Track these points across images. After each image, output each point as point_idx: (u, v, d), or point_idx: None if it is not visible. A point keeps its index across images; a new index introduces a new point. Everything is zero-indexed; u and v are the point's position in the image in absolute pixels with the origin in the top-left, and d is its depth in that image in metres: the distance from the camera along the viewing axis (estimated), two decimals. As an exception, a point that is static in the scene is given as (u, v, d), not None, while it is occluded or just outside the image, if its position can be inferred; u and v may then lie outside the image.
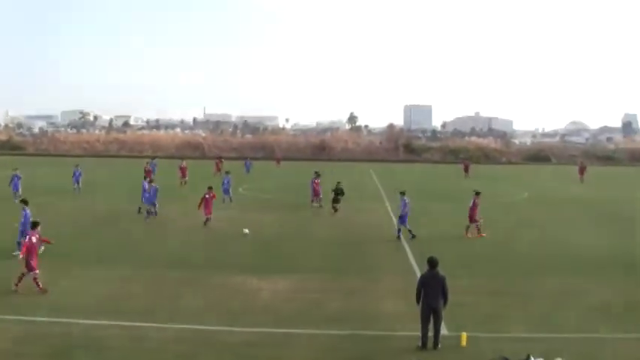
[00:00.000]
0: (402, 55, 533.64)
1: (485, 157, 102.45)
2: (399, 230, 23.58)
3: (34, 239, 15.31)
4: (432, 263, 12.05)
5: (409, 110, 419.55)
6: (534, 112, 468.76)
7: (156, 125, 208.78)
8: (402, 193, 24.14)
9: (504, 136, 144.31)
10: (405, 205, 23.58)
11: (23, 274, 14.98)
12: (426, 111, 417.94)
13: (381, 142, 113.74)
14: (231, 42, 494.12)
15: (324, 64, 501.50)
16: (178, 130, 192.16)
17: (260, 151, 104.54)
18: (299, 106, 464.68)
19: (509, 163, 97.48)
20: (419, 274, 17.33)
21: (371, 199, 38.10)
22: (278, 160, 79.86)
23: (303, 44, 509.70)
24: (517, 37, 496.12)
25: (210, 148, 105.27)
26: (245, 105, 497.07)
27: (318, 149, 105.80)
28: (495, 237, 24.43)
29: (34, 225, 15.99)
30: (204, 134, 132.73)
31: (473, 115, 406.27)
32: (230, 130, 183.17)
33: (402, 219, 23.51)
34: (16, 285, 14.91)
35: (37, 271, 15.04)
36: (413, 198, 25.35)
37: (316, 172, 35.24)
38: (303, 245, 22.18)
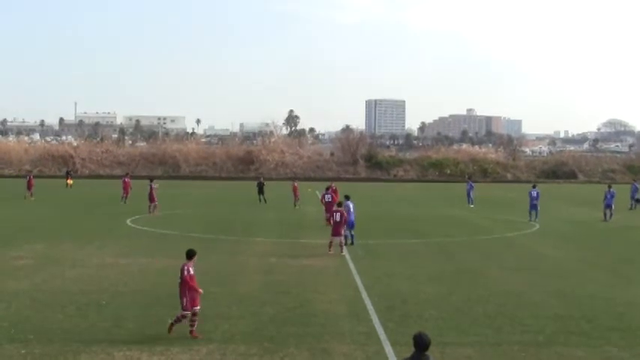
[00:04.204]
0: (363, 33, 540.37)
1: (483, 172, 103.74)
2: (352, 237, 33.09)
3: (190, 271, 17.68)
4: (422, 344, 11.06)
5: (373, 107, 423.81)
6: (553, 110, 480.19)
7: (1, 130, 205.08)
8: (347, 197, 34.08)
9: (510, 143, 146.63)
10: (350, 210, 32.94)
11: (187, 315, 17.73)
12: (398, 109, 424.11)
13: (332, 154, 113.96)
14: (117, 15, 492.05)
15: (248, 45, 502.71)
16: (37, 136, 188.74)
17: (159, 166, 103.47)
18: (215, 102, 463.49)
19: (517, 181, 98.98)
20: (387, 343, 17.29)
21: (316, 232, 38.68)
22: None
23: (217, 13, 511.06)
24: (528, 7, 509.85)
25: (84, 162, 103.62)
26: (137, 101, 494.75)
27: (243, 163, 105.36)
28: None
29: (190, 255, 17.96)
30: (75, 142, 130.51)
31: (464, 113, 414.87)
32: (114, 135, 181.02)
33: (349, 224, 32.42)
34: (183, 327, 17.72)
35: (189, 311, 17.70)
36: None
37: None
38: (219, 301, 21.60)
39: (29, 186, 60.50)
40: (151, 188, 48.66)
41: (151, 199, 48.37)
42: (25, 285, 23.91)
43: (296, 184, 57.14)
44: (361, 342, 17.38)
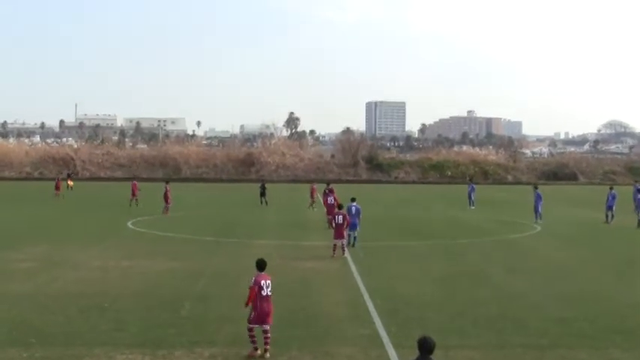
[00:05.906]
0: (364, 34, 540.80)
1: (484, 174, 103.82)
2: (354, 238, 33.13)
3: (263, 283, 16.70)
4: (426, 347, 10.86)
5: (373, 109, 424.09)
6: (553, 111, 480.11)
7: (1, 132, 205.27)
8: (353, 200, 34.30)
9: (510, 145, 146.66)
10: (357, 211, 33.46)
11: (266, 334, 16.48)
12: (398, 110, 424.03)
13: (333, 155, 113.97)
14: (117, 16, 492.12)
15: (249, 46, 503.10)
16: (37, 138, 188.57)
17: (160, 168, 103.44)
18: (215, 104, 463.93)
19: (518, 182, 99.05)
20: (390, 346, 17.22)
21: (318, 234, 38.74)
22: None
23: (217, 15, 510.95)
24: (529, 8, 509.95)
25: (85, 164, 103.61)
26: (137, 103, 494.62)
27: (244, 165, 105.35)
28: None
29: (261, 266, 16.94)
30: (76, 144, 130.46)
31: (465, 115, 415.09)
32: (115, 137, 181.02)
33: (352, 226, 32.45)
34: (258, 350, 16.35)
35: (268, 327, 16.54)
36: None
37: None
38: (221, 304, 21.53)
39: (57, 187, 66.78)
40: (166, 190, 50.29)
41: (166, 200, 49.84)
42: (27, 288, 23.85)
43: (314, 186, 58.51)
44: (364, 345, 17.32)
